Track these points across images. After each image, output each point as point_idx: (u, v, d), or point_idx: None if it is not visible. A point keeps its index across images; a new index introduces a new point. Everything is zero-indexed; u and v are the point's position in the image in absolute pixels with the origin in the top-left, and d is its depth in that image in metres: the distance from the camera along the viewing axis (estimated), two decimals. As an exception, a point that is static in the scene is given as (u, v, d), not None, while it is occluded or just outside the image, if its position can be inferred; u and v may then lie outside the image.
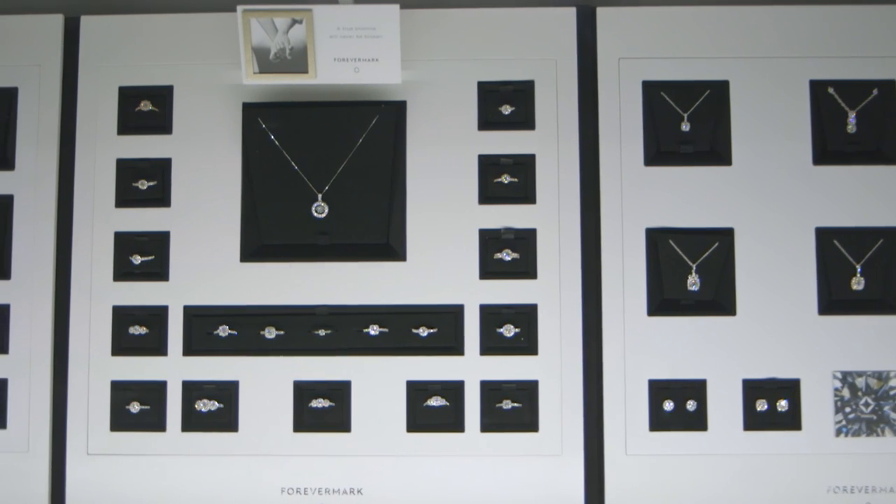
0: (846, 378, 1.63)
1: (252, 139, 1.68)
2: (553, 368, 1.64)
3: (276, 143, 1.67)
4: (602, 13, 1.69)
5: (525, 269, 1.66)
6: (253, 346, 1.66)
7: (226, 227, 1.68)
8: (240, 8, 1.63)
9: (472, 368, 1.65)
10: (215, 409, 1.65)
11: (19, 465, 1.66)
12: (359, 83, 1.67)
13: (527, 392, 1.64)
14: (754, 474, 1.62)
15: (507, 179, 1.67)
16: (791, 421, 1.63)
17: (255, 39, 1.64)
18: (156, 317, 1.68)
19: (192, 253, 1.68)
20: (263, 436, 1.65)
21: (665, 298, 1.65)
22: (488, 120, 1.68)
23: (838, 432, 1.62)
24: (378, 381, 1.65)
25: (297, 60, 1.65)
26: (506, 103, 1.68)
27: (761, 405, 1.62)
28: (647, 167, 1.67)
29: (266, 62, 1.66)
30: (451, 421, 1.64)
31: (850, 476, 1.61)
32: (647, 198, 1.66)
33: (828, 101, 1.67)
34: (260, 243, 1.67)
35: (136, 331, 1.67)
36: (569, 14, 1.70)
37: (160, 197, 1.69)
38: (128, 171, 1.70)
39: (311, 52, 1.65)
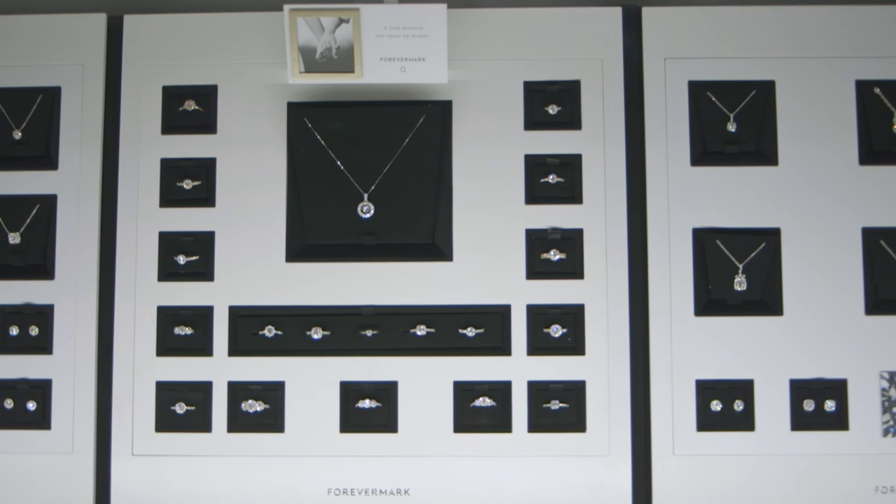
0: (893, 378, 1.63)
1: (297, 139, 1.67)
2: (600, 369, 1.64)
3: (322, 142, 1.66)
4: (647, 13, 1.69)
5: (572, 269, 1.66)
6: (299, 347, 1.66)
7: (271, 226, 1.68)
8: (287, 7, 1.63)
9: (519, 369, 1.65)
10: (261, 410, 1.65)
11: (64, 467, 1.65)
12: (405, 83, 1.66)
13: (574, 392, 1.64)
14: (801, 474, 1.62)
15: (553, 179, 1.67)
16: (838, 421, 1.63)
17: (301, 39, 1.64)
18: (201, 317, 1.67)
19: (238, 253, 1.67)
20: (310, 437, 1.64)
21: (711, 299, 1.65)
22: (534, 120, 1.68)
23: (885, 432, 1.62)
24: (425, 382, 1.65)
25: (343, 60, 1.65)
26: (552, 103, 1.68)
27: (808, 405, 1.62)
28: (694, 167, 1.67)
29: (312, 61, 1.65)
30: (498, 421, 1.64)
31: (898, 476, 1.61)
32: (694, 198, 1.66)
33: (874, 101, 1.67)
34: (305, 243, 1.67)
35: (182, 331, 1.67)
36: (614, 14, 1.70)
37: (205, 197, 1.69)
38: (172, 170, 1.69)
39: (357, 51, 1.64)
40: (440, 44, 1.64)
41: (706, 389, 1.63)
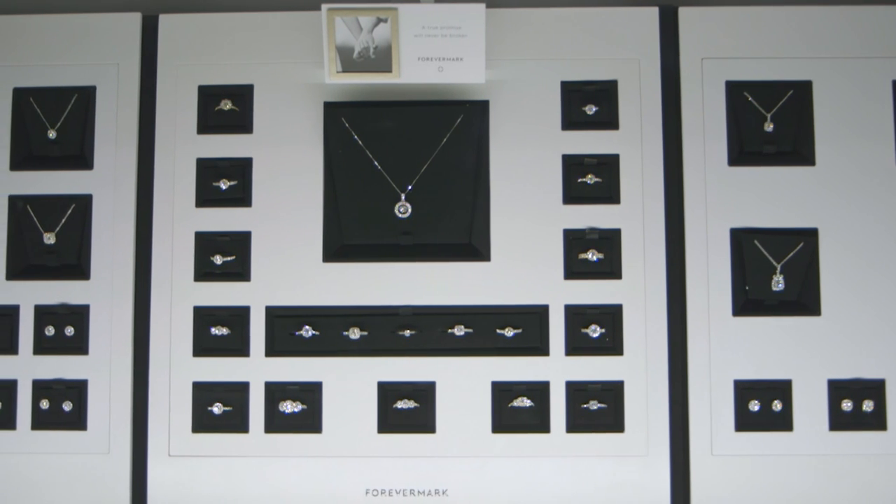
0: (931, 378, 1.63)
1: (334, 138, 1.67)
2: (638, 369, 1.64)
3: (360, 142, 1.66)
4: (684, 13, 1.69)
5: (610, 269, 1.66)
6: (337, 347, 1.65)
7: (308, 226, 1.67)
8: (324, 6, 1.62)
9: (557, 369, 1.64)
10: (299, 411, 1.64)
11: (100, 467, 1.65)
12: (442, 82, 1.66)
13: (612, 392, 1.64)
14: (839, 474, 1.62)
15: (591, 179, 1.66)
16: (876, 421, 1.63)
17: (339, 38, 1.64)
18: (238, 317, 1.66)
19: (274, 253, 1.67)
20: (347, 437, 1.64)
21: (749, 299, 1.65)
22: (572, 120, 1.68)
23: (924, 432, 1.63)
24: (463, 382, 1.64)
25: (381, 59, 1.65)
26: (589, 103, 1.67)
27: (847, 405, 1.62)
28: (731, 167, 1.67)
29: (349, 61, 1.65)
30: (536, 422, 1.64)
31: (937, 476, 1.61)
32: (732, 198, 1.66)
33: (911, 101, 1.68)
34: (342, 243, 1.66)
35: (218, 331, 1.66)
36: (651, 14, 1.69)
37: (241, 197, 1.68)
38: (208, 170, 1.69)
39: (395, 50, 1.64)
40: (478, 43, 1.64)
41: (744, 389, 1.63)
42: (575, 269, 1.66)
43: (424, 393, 1.64)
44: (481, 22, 1.62)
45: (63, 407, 1.65)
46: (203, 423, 1.65)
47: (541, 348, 1.65)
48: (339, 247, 1.67)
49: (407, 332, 1.65)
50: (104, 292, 1.67)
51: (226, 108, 1.69)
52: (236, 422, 1.65)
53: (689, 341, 1.64)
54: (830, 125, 1.67)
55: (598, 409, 1.63)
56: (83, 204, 1.69)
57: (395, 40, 1.64)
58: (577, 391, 1.64)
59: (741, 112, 1.67)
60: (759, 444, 1.63)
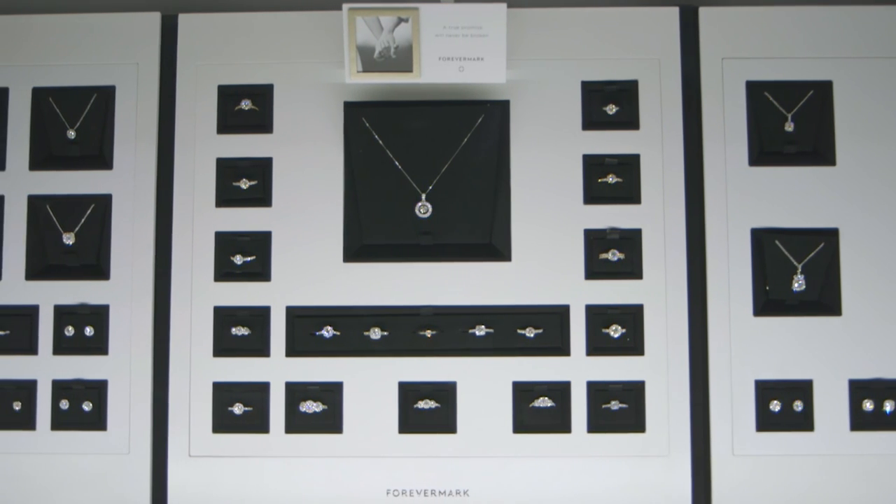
0: (952, 378, 1.63)
1: (354, 138, 1.67)
2: (659, 369, 1.64)
3: (381, 142, 1.66)
4: (704, 13, 1.69)
5: (630, 269, 1.65)
6: (357, 347, 1.65)
7: (328, 226, 1.67)
8: (346, 6, 1.62)
9: (578, 369, 1.64)
10: (319, 411, 1.64)
11: (120, 468, 1.65)
12: (463, 82, 1.66)
13: (633, 393, 1.64)
14: (861, 474, 1.62)
15: (612, 179, 1.66)
16: (898, 421, 1.63)
17: (359, 38, 1.63)
18: (258, 317, 1.66)
19: (295, 253, 1.67)
20: (368, 437, 1.64)
21: (770, 299, 1.65)
22: (592, 120, 1.68)
23: (945, 432, 1.63)
24: (484, 383, 1.64)
25: (401, 59, 1.64)
26: (610, 103, 1.67)
27: (868, 405, 1.62)
28: (752, 167, 1.67)
29: (370, 61, 1.64)
30: (557, 422, 1.64)
31: (958, 476, 1.62)
32: (752, 198, 1.66)
33: (931, 101, 1.68)
34: (362, 243, 1.66)
35: (239, 332, 1.66)
36: (672, 14, 1.69)
37: (261, 196, 1.68)
38: (228, 170, 1.68)
39: (416, 50, 1.64)
40: (499, 43, 1.63)
41: (765, 390, 1.63)
42: (596, 269, 1.66)
43: (445, 393, 1.64)
44: (502, 22, 1.62)
45: (83, 407, 1.65)
46: (223, 423, 1.65)
47: (562, 348, 1.65)
48: (359, 247, 1.66)
49: (428, 333, 1.64)
50: (124, 292, 1.67)
51: (246, 108, 1.69)
52: (257, 422, 1.65)
53: (709, 341, 1.64)
54: (851, 125, 1.67)
55: (620, 410, 1.63)
56: (103, 204, 1.68)
57: (415, 40, 1.63)
58: (599, 391, 1.64)
59: (762, 112, 1.67)
60: (781, 444, 1.63)
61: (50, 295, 1.67)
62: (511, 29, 1.66)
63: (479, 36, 1.63)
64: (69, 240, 1.68)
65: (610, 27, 1.69)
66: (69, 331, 1.66)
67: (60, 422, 1.65)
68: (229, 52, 1.70)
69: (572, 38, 1.69)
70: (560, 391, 1.64)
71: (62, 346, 1.66)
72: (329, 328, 1.65)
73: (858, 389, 1.63)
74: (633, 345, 1.64)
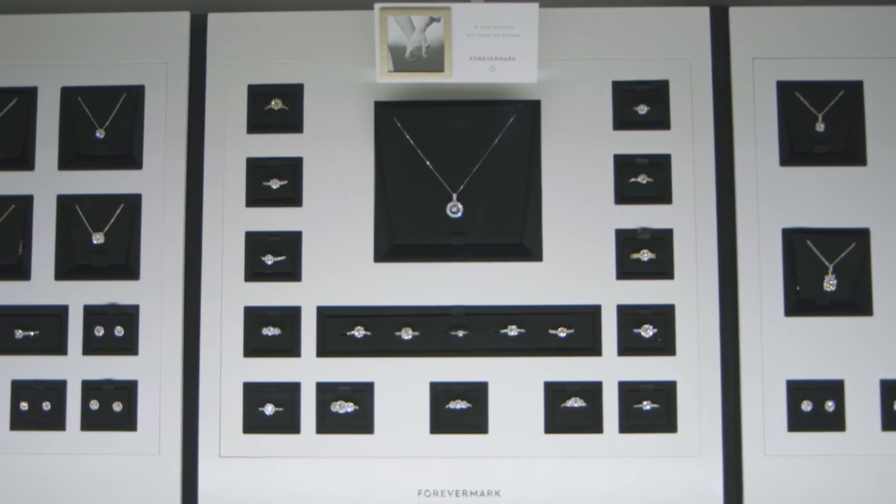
0: (984, 378, 1.63)
1: (385, 138, 1.66)
2: (691, 369, 1.64)
3: (412, 142, 1.65)
4: (735, 13, 1.69)
5: (662, 269, 1.65)
6: (389, 347, 1.65)
7: (359, 226, 1.66)
8: (377, 5, 1.62)
9: (609, 369, 1.64)
10: (351, 411, 1.64)
11: (150, 468, 1.64)
12: (494, 82, 1.66)
13: (665, 393, 1.64)
14: (892, 474, 1.62)
15: (643, 179, 1.66)
16: (929, 421, 1.63)
17: (391, 37, 1.63)
18: (289, 318, 1.66)
19: (325, 253, 1.66)
20: (399, 438, 1.63)
21: (801, 299, 1.65)
22: (623, 119, 1.68)
23: (976, 432, 1.63)
24: (516, 383, 1.64)
25: (433, 59, 1.64)
26: (641, 103, 1.67)
27: (899, 405, 1.63)
28: (783, 167, 1.67)
29: (401, 60, 1.64)
30: (589, 422, 1.64)
31: None
32: (783, 198, 1.66)
33: (962, 100, 1.68)
34: (393, 243, 1.66)
35: (269, 332, 1.65)
36: (702, 14, 1.69)
37: (291, 196, 1.68)
38: (258, 170, 1.68)
39: (447, 50, 1.63)
40: (531, 43, 1.63)
41: (797, 390, 1.63)
42: (627, 269, 1.65)
43: (477, 393, 1.64)
44: (534, 22, 1.62)
45: (113, 408, 1.65)
46: (254, 423, 1.64)
47: (593, 348, 1.64)
48: (390, 247, 1.66)
49: (460, 333, 1.64)
50: (154, 292, 1.66)
51: (276, 108, 1.69)
52: (287, 422, 1.64)
53: (741, 341, 1.64)
54: (881, 125, 1.67)
55: (651, 410, 1.63)
56: (132, 203, 1.68)
57: (447, 40, 1.63)
58: (630, 391, 1.64)
59: (792, 112, 1.67)
60: (812, 444, 1.63)
61: (79, 295, 1.67)
62: (542, 29, 1.65)
63: (510, 36, 1.63)
64: (98, 239, 1.67)
65: (640, 27, 1.69)
66: (99, 331, 1.65)
67: (90, 422, 1.65)
68: (259, 52, 1.70)
69: (603, 38, 1.69)
70: (592, 391, 1.64)
71: (92, 347, 1.66)
72: (360, 328, 1.65)
73: (890, 389, 1.63)
74: (664, 345, 1.64)
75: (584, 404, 1.63)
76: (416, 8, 1.62)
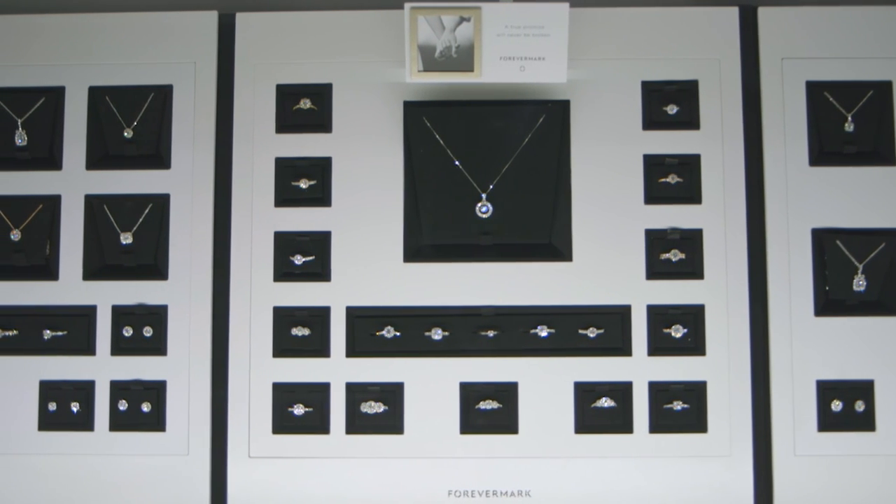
0: None
1: (415, 137, 1.66)
2: (721, 369, 1.63)
3: (441, 142, 1.65)
4: (764, 13, 1.69)
5: (692, 269, 1.65)
6: (418, 348, 1.64)
7: (388, 226, 1.66)
8: (408, 5, 1.61)
9: (639, 369, 1.64)
10: (381, 412, 1.63)
11: (179, 469, 1.64)
12: (524, 82, 1.65)
13: (695, 393, 1.63)
14: (922, 474, 1.62)
15: (673, 179, 1.66)
16: (959, 421, 1.63)
17: (421, 37, 1.63)
18: (318, 318, 1.65)
19: (355, 253, 1.66)
20: (429, 438, 1.63)
21: (830, 299, 1.65)
22: (653, 119, 1.68)
23: None
24: (545, 383, 1.64)
25: (462, 59, 1.64)
26: (671, 103, 1.67)
27: (929, 405, 1.63)
28: (812, 167, 1.66)
29: (431, 60, 1.64)
30: (619, 422, 1.63)
31: None
32: (813, 198, 1.66)
33: None
34: (423, 243, 1.66)
35: (298, 332, 1.65)
36: (731, 14, 1.69)
37: (321, 196, 1.67)
38: (287, 170, 1.68)
39: (477, 50, 1.63)
40: (561, 43, 1.63)
41: (827, 390, 1.63)
42: (657, 270, 1.65)
43: (507, 393, 1.64)
44: (564, 21, 1.62)
45: (142, 408, 1.64)
46: (283, 424, 1.64)
47: (623, 349, 1.64)
48: (419, 247, 1.66)
49: (490, 333, 1.64)
50: (182, 293, 1.66)
51: (305, 107, 1.68)
52: (317, 423, 1.64)
53: (771, 341, 1.64)
54: (910, 125, 1.67)
55: (681, 410, 1.63)
56: (160, 203, 1.67)
57: (477, 39, 1.63)
58: (660, 391, 1.64)
59: (821, 112, 1.67)
60: (842, 444, 1.62)
61: (108, 295, 1.66)
62: (571, 28, 1.65)
63: (540, 35, 1.63)
64: (127, 239, 1.67)
65: (670, 27, 1.69)
66: (127, 331, 1.65)
67: (119, 423, 1.64)
68: (287, 51, 1.70)
69: (632, 38, 1.68)
70: (622, 391, 1.64)
71: (120, 347, 1.65)
72: (390, 328, 1.64)
73: (920, 389, 1.63)
74: (694, 345, 1.64)
75: (614, 404, 1.63)
76: (446, 7, 1.62)
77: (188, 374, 1.65)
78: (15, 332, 1.66)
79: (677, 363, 1.64)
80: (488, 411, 1.63)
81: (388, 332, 1.64)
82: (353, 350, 1.65)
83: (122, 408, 1.64)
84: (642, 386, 1.64)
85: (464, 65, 1.64)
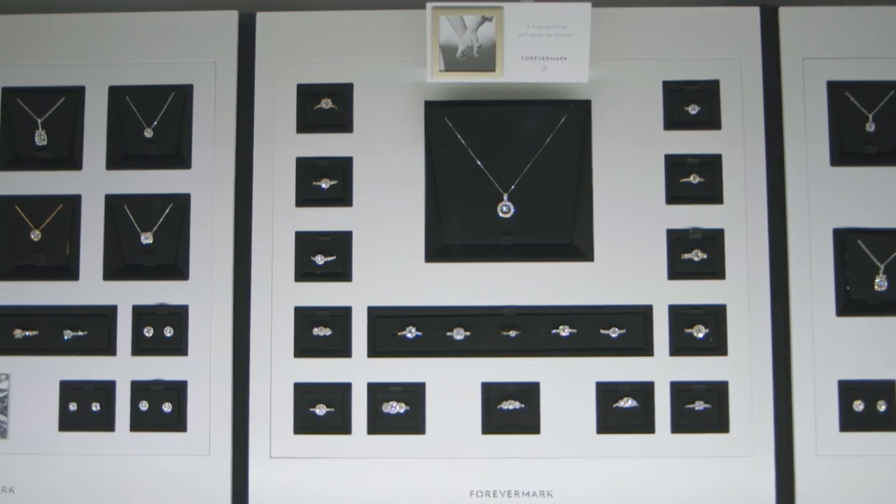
0: None
1: (435, 138, 1.66)
2: (743, 369, 1.63)
3: (463, 142, 1.65)
4: (784, 13, 1.69)
5: (713, 269, 1.65)
6: (440, 348, 1.64)
7: (409, 226, 1.66)
8: (430, 5, 1.61)
9: (661, 369, 1.64)
10: (402, 412, 1.63)
11: (201, 469, 1.63)
12: (545, 82, 1.65)
13: (716, 393, 1.63)
14: (944, 474, 1.62)
15: (694, 179, 1.66)
16: (980, 421, 1.63)
17: (443, 37, 1.63)
18: (339, 318, 1.65)
19: (376, 253, 1.66)
20: (451, 438, 1.63)
21: (851, 299, 1.65)
22: (674, 119, 1.68)
23: None
24: (567, 383, 1.64)
25: (484, 58, 1.64)
26: (692, 103, 1.67)
27: (951, 405, 1.63)
28: (833, 167, 1.66)
29: (452, 60, 1.64)
30: (640, 422, 1.63)
31: None
32: (834, 198, 1.66)
33: None
34: (444, 243, 1.65)
35: (320, 332, 1.65)
36: (752, 14, 1.69)
37: (342, 196, 1.67)
38: (308, 169, 1.67)
39: (499, 49, 1.63)
40: (583, 43, 1.63)
41: (848, 390, 1.63)
42: (678, 270, 1.65)
43: (528, 393, 1.63)
44: (587, 21, 1.62)
45: (162, 408, 1.64)
46: (305, 424, 1.64)
47: (645, 348, 1.64)
48: (440, 247, 1.66)
49: (511, 333, 1.64)
50: (203, 293, 1.66)
51: (325, 107, 1.68)
52: (338, 423, 1.64)
53: (792, 341, 1.64)
54: (931, 125, 1.67)
55: (703, 410, 1.63)
56: (181, 203, 1.67)
57: (499, 39, 1.63)
58: (682, 391, 1.63)
59: (842, 112, 1.67)
60: (864, 444, 1.62)
61: (128, 295, 1.66)
62: (592, 28, 1.65)
63: (562, 35, 1.63)
64: (147, 239, 1.67)
65: (691, 27, 1.68)
66: (148, 331, 1.65)
67: (140, 423, 1.64)
68: (308, 51, 1.69)
69: (653, 38, 1.68)
70: (643, 391, 1.64)
71: (141, 347, 1.65)
72: (411, 328, 1.64)
73: (941, 389, 1.63)
74: (716, 345, 1.64)
75: (636, 404, 1.63)
76: (468, 7, 1.62)
77: (209, 375, 1.64)
78: (35, 332, 1.65)
79: (699, 363, 1.64)
80: (510, 411, 1.63)
81: (410, 333, 1.64)
82: (375, 350, 1.65)
83: (142, 408, 1.64)
84: (664, 386, 1.64)
85: (485, 64, 1.64)
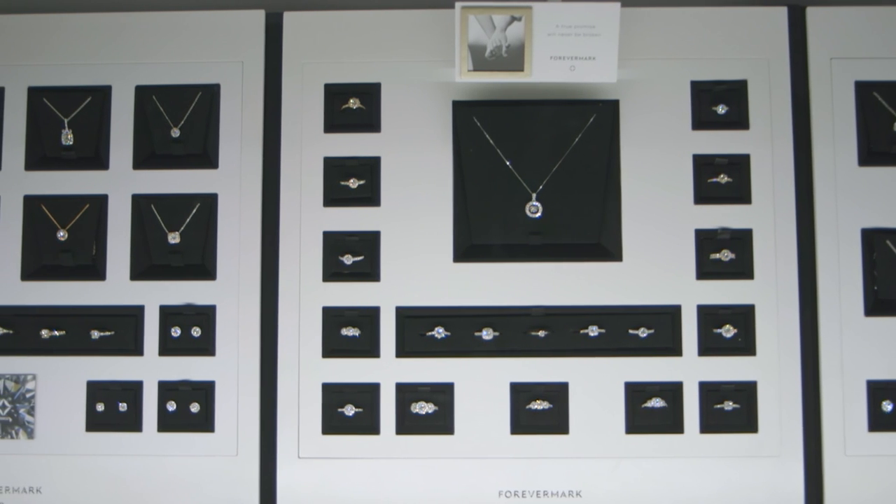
0: None
1: (464, 137, 1.66)
2: (771, 369, 1.63)
3: (491, 141, 1.65)
4: (812, 13, 1.69)
5: (742, 269, 1.65)
6: (468, 348, 1.64)
7: (437, 226, 1.66)
8: (459, 4, 1.61)
9: (690, 369, 1.64)
10: (431, 412, 1.63)
11: (228, 469, 1.63)
12: (573, 82, 1.65)
13: (745, 393, 1.63)
14: (972, 474, 1.62)
15: (723, 179, 1.66)
16: None
17: (471, 36, 1.62)
18: (367, 318, 1.65)
19: (404, 253, 1.65)
20: (480, 438, 1.63)
21: (879, 299, 1.65)
22: (702, 119, 1.67)
23: None
24: (596, 383, 1.63)
25: (513, 58, 1.63)
26: (720, 103, 1.67)
27: (979, 405, 1.63)
28: (861, 167, 1.66)
29: (481, 60, 1.63)
30: (669, 422, 1.63)
31: None
32: (862, 198, 1.66)
33: None
34: (472, 243, 1.65)
35: (348, 332, 1.64)
36: (780, 14, 1.69)
37: (369, 196, 1.67)
38: (335, 169, 1.67)
39: (528, 49, 1.63)
40: (611, 42, 1.63)
41: (877, 390, 1.63)
42: (707, 270, 1.65)
43: (557, 394, 1.63)
44: (615, 21, 1.62)
45: (190, 409, 1.63)
46: (333, 424, 1.63)
47: (674, 349, 1.64)
48: (469, 247, 1.65)
49: (540, 333, 1.63)
50: (231, 293, 1.65)
51: (353, 107, 1.68)
52: (367, 423, 1.63)
53: (821, 341, 1.64)
54: (959, 125, 1.67)
55: (732, 410, 1.63)
56: (208, 203, 1.67)
57: (528, 39, 1.63)
58: (711, 392, 1.63)
59: (870, 112, 1.67)
60: (893, 444, 1.62)
61: (155, 295, 1.66)
62: (621, 28, 1.64)
63: (591, 35, 1.62)
64: (174, 239, 1.66)
65: (718, 27, 1.68)
66: (175, 331, 1.64)
67: (167, 423, 1.64)
68: (335, 51, 1.69)
69: (681, 38, 1.68)
70: (672, 391, 1.63)
71: (168, 347, 1.65)
72: (440, 329, 1.64)
73: (969, 389, 1.63)
74: (744, 345, 1.64)
75: (664, 404, 1.63)
76: (497, 7, 1.61)
77: (237, 375, 1.64)
78: (63, 332, 1.65)
79: (727, 363, 1.64)
80: (539, 411, 1.63)
81: (438, 333, 1.64)
82: (403, 350, 1.64)
83: (170, 408, 1.63)
84: (693, 386, 1.63)
85: (514, 64, 1.64)
